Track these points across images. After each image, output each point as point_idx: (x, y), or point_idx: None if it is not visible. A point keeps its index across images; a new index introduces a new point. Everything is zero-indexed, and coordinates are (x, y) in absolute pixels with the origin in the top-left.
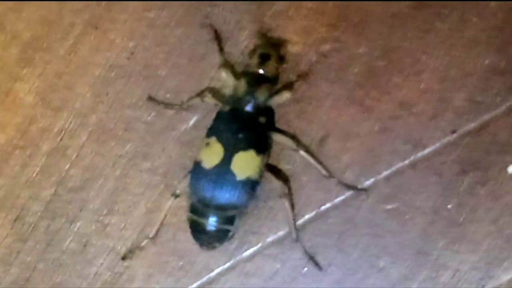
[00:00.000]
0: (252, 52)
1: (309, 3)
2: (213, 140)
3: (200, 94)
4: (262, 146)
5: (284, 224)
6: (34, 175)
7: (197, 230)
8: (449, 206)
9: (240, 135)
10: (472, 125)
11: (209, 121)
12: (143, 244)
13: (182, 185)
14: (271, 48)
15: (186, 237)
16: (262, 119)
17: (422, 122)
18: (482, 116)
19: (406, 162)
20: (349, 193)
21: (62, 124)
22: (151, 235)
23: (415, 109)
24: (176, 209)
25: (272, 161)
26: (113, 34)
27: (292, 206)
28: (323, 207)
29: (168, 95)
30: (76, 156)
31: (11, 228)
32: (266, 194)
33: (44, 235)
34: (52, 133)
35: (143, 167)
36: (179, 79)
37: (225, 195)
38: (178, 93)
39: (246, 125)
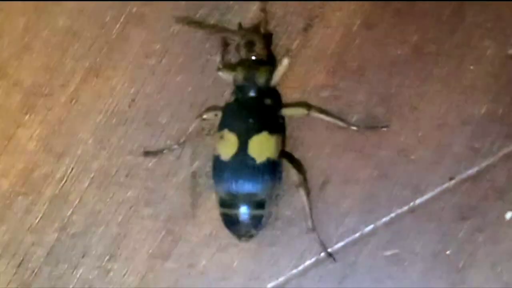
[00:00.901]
0: (238, 45)
1: (308, 51)
2: (225, 132)
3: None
4: (273, 126)
5: (285, 269)
6: (37, 221)
7: (231, 222)
8: (448, 252)
9: (250, 120)
10: (470, 172)
11: (210, 168)
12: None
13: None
14: (252, 34)
15: None
16: (268, 101)
17: (421, 169)
18: (480, 163)
19: (405, 208)
20: (349, 239)
21: (64, 170)
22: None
23: (414, 156)
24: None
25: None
26: (114, 81)
27: (308, 194)
28: (322, 253)
29: (169, 142)
30: (79, 202)
31: (15, 274)
32: (268, 239)
33: (47, 281)
34: (54, 179)
35: (144, 213)
36: (180, 126)
37: (249, 181)
38: (179, 140)
39: (253, 110)
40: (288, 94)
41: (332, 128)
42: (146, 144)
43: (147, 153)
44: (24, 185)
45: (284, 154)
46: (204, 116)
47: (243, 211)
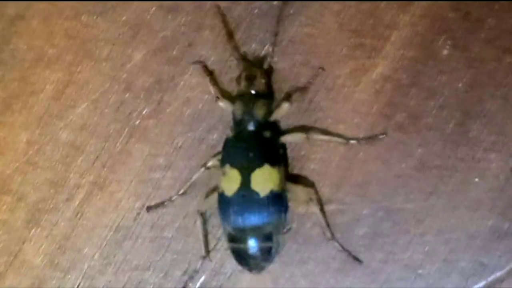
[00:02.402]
0: (239, 77)
1: (312, 164)
2: (227, 167)
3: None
4: (275, 158)
5: None
6: None
7: (241, 256)
8: None
9: (251, 154)
10: (477, 287)
11: (216, 282)
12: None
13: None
14: (253, 67)
15: None
16: (267, 134)
17: (428, 284)
18: (487, 278)
19: None
20: None
21: (71, 286)
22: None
23: (421, 271)
24: None
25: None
26: (119, 195)
27: (321, 206)
28: None
29: (175, 257)
30: None
31: None
32: None
33: None
34: None
35: None
36: (185, 240)
37: (255, 215)
38: (185, 255)
39: (253, 144)
40: (294, 207)
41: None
42: (152, 259)
43: (149, 208)
44: None
45: (290, 178)
46: (209, 164)
47: (252, 244)
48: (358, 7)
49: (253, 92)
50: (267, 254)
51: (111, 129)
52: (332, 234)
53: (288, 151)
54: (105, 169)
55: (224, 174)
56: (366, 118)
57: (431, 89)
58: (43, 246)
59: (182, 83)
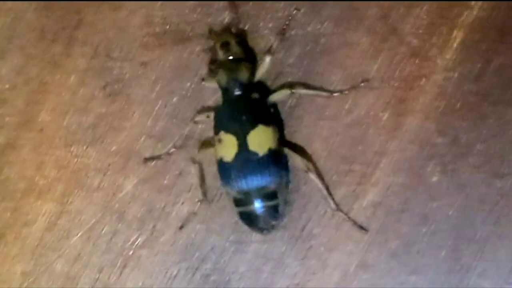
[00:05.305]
0: (213, 48)
1: None
2: (222, 134)
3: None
4: (267, 117)
5: None
6: None
7: (249, 219)
8: None
9: (243, 117)
10: None
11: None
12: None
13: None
14: (225, 35)
15: None
16: (255, 95)
17: None
18: None
19: None
20: None
21: None
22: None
23: None
24: None
25: None
26: None
27: (320, 176)
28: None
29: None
30: None
31: None
32: None
33: None
34: None
35: None
36: None
37: (257, 175)
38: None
39: (243, 106)
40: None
41: None
42: None
43: (146, 160)
44: None
45: (285, 143)
46: (196, 119)
47: (258, 205)
48: (346, 133)
49: (231, 57)
50: (274, 212)
51: (105, 260)
52: (337, 204)
53: None
54: None
55: (220, 141)
56: (359, 245)
57: (422, 215)
58: None
59: (174, 212)
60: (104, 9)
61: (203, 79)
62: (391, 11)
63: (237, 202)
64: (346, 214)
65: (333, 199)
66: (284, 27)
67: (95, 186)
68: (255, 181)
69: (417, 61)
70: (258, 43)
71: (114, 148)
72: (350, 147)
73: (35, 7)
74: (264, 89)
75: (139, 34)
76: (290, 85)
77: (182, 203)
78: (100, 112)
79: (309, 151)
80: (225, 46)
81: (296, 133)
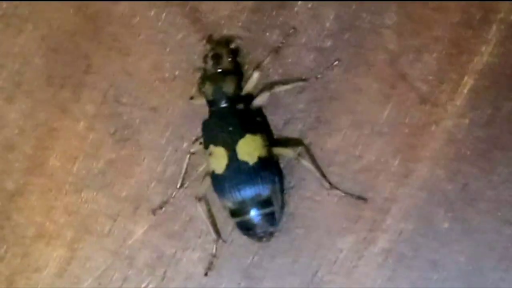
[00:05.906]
0: (205, 57)
1: None
2: (211, 147)
3: None
4: (253, 126)
5: None
6: None
7: (247, 228)
8: None
9: (230, 128)
10: None
11: None
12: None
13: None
14: (220, 46)
15: None
16: (240, 106)
17: None
18: None
19: None
20: None
21: None
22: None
23: None
24: None
25: None
26: None
27: (312, 158)
28: None
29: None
30: None
31: None
32: None
33: None
34: None
35: None
36: None
37: (250, 185)
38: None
39: (229, 118)
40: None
41: None
42: None
43: (154, 210)
44: None
45: (274, 142)
46: (192, 150)
47: (254, 213)
48: (355, 179)
49: (220, 70)
50: (271, 219)
51: None
52: (330, 183)
53: None
54: None
55: (210, 154)
56: None
57: (433, 262)
58: None
59: (184, 259)
60: (112, 54)
61: (191, 97)
62: (400, 57)
63: (234, 213)
64: (342, 190)
65: (327, 179)
66: (280, 45)
67: (105, 232)
68: (248, 190)
69: (427, 108)
70: (250, 62)
71: (124, 194)
72: (361, 193)
73: (43, 53)
74: (248, 100)
75: (148, 79)
76: (270, 86)
77: (193, 249)
78: (110, 158)
79: (319, 198)
80: (217, 57)
81: (305, 181)
